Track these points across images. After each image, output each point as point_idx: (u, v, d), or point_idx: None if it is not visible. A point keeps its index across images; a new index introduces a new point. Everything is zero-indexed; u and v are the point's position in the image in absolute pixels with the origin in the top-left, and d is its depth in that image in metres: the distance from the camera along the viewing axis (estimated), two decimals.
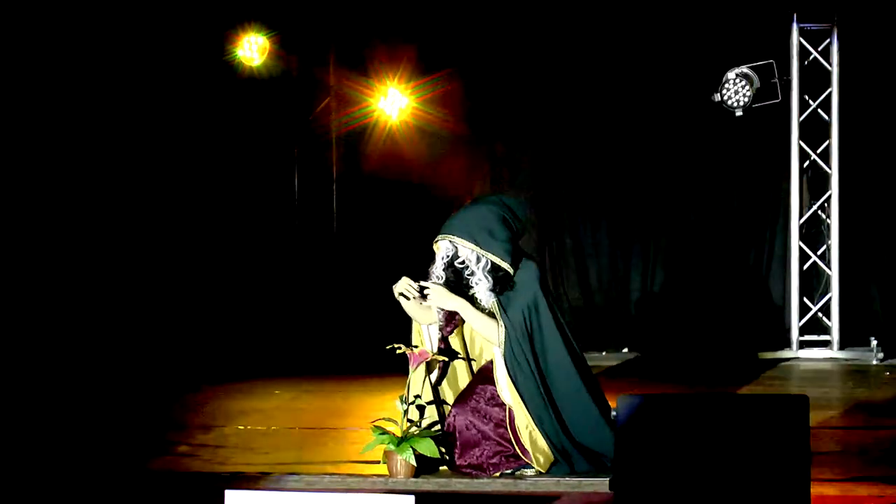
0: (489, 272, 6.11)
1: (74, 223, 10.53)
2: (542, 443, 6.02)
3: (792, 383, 9.70)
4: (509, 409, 6.13)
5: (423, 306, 6.23)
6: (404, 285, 6.11)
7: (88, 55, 10.43)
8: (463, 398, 6.21)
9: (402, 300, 6.17)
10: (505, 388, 6.07)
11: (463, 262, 6.16)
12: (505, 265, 6.09)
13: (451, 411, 6.17)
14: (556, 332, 6.15)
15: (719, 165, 11.33)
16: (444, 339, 6.35)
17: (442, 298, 6.10)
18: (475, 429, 6.11)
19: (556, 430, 6.02)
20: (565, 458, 6.01)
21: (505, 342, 6.06)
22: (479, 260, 6.12)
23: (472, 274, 6.14)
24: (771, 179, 11.31)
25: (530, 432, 6.02)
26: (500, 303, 6.10)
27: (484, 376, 6.28)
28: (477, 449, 6.10)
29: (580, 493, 5.77)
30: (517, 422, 6.07)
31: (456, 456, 6.12)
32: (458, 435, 6.12)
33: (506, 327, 6.05)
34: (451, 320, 6.30)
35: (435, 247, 6.23)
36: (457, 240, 6.13)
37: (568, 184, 11.52)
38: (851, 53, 11.00)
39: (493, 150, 11.62)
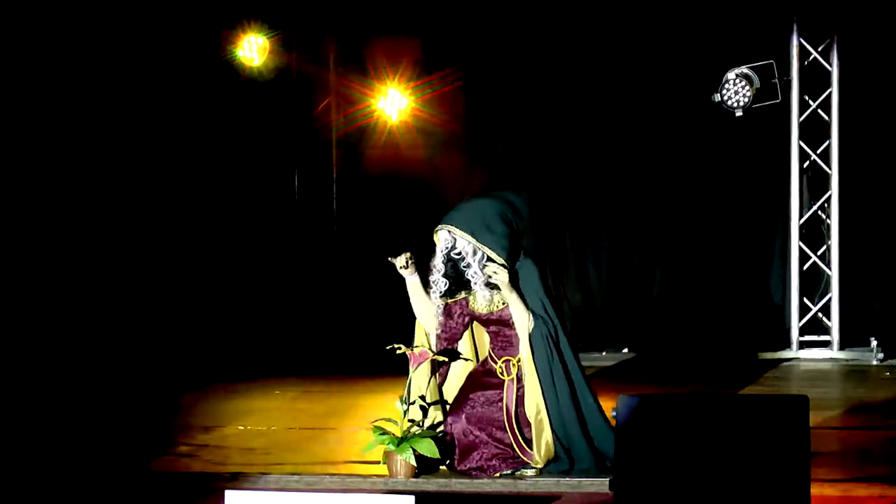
0: (485, 265, 6.12)
1: (76, 224, 10.53)
2: (547, 433, 6.02)
3: (792, 383, 9.70)
4: (507, 405, 6.14)
5: (430, 306, 6.25)
6: (403, 259, 6.18)
7: (89, 55, 10.43)
8: (458, 405, 6.22)
9: (411, 287, 6.23)
10: (527, 372, 6.08)
11: (460, 254, 6.19)
12: (499, 261, 6.09)
13: (448, 419, 6.18)
14: (563, 334, 6.19)
15: (719, 166, 11.32)
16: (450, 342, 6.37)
17: (504, 275, 6.06)
18: (472, 435, 6.13)
19: (563, 423, 6.03)
20: (567, 454, 6.02)
21: (534, 330, 6.08)
22: (475, 252, 6.15)
23: (468, 266, 6.17)
24: (771, 179, 11.30)
25: (540, 420, 6.03)
26: (519, 294, 6.13)
27: (476, 382, 6.28)
28: (476, 453, 6.12)
29: (580, 493, 5.77)
30: (527, 409, 6.08)
31: (455, 461, 6.15)
32: (456, 442, 6.14)
33: (534, 318, 6.09)
34: (448, 326, 6.31)
35: (435, 237, 6.27)
36: (454, 230, 6.17)
37: (568, 184, 11.51)
38: (851, 53, 10.99)
39: (493, 150, 11.61)
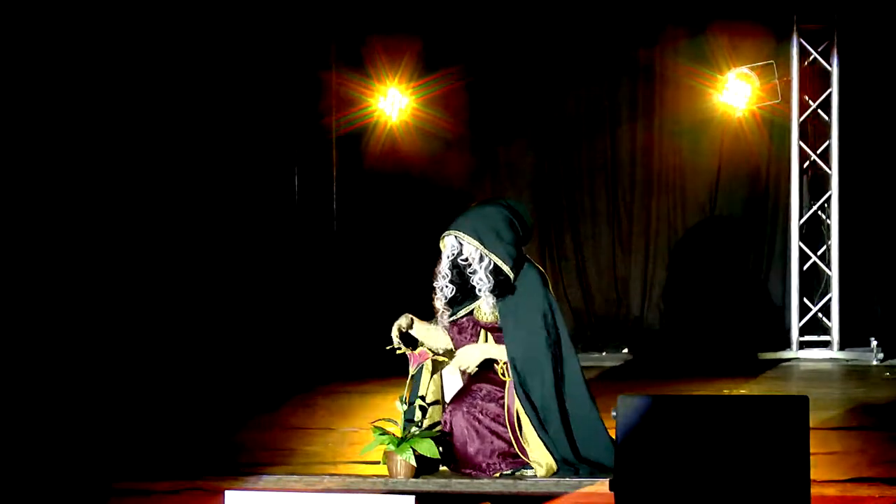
0: (491, 272, 6.14)
1: (76, 224, 10.52)
2: (549, 460, 6.04)
3: (792, 384, 9.70)
4: (508, 406, 6.15)
5: (429, 331, 6.30)
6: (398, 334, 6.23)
7: (89, 55, 10.43)
8: (458, 396, 6.23)
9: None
10: (520, 409, 6.11)
11: (466, 260, 6.19)
12: (506, 268, 6.12)
13: (447, 409, 6.19)
14: (568, 341, 6.19)
15: (719, 166, 11.32)
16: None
17: (466, 360, 6.19)
18: (470, 426, 6.13)
19: (561, 449, 6.04)
20: (570, 467, 6.04)
21: (511, 369, 6.10)
22: (481, 259, 6.15)
23: (474, 273, 6.16)
24: (771, 179, 11.31)
25: (538, 449, 6.04)
26: (508, 321, 6.13)
27: (479, 377, 6.29)
28: (473, 446, 6.11)
29: (580, 493, 5.77)
30: (525, 433, 6.09)
31: (454, 454, 6.13)
32: (453, 432, 6.14)
33: (513, 354, 6.12)
34: (461, 340, 6.33)
35: (441, 244, 6.27)
36: (462, 236, 6.17)
37: (569, 183, 11.52)
38: (851, 54, 11.00)
39: (494, 150, 11.62)
